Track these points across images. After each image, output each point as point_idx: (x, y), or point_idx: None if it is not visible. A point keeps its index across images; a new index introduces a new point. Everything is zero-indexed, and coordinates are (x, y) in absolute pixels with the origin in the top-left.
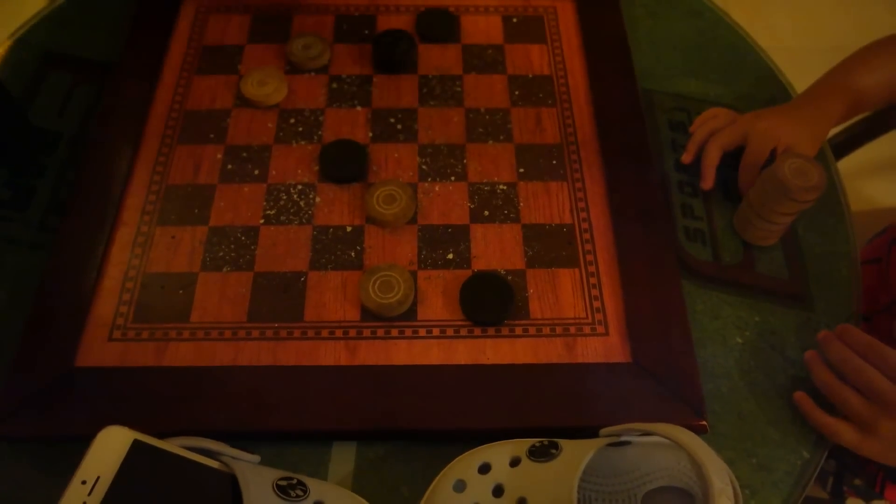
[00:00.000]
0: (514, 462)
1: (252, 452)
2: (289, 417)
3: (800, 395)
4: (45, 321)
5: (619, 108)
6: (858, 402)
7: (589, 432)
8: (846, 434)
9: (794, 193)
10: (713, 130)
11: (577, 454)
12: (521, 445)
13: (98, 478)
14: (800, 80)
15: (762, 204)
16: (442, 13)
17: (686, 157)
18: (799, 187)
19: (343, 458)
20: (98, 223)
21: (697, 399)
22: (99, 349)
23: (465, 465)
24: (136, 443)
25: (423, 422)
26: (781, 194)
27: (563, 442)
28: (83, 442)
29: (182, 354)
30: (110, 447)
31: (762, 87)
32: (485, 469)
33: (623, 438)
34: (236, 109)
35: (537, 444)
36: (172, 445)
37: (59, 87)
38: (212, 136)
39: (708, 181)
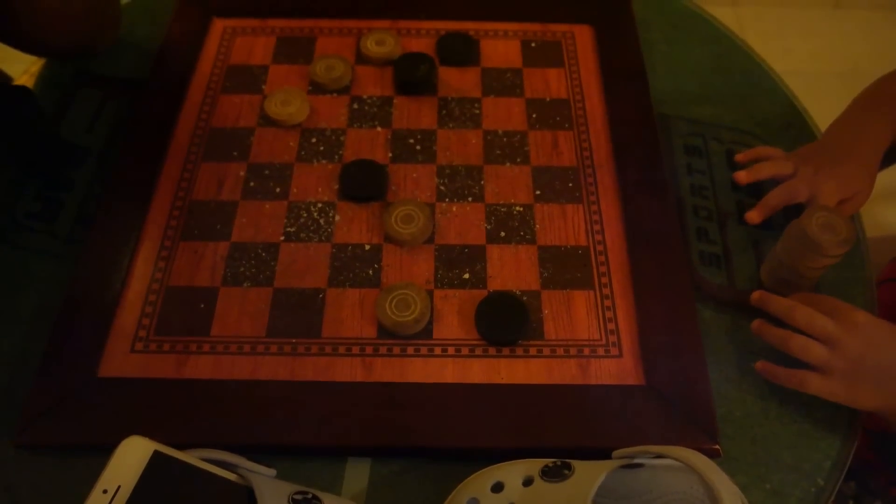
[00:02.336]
0: (528, 482)
1: (268, 466)
2: (305, 432)
3: (761, 364)
4: (70, 331)
5: (636, 132)
6: (816, 345)
7: (602, 454)
8: (812, 380)
9: (825, 249)
10: (783, 190)
11: (589, 475)
12: (534, 465)
13: (119, 487)
14: (815, 104)
15: (791, 259)
16: (462, 37)
17: (756, 218)
18: (830, 242)
19: (357, 473)
20: (123, 237)
21: (711, 423)
22: (121, 360)
23: (478, 483)
24: (156, 454)
25: (437, 440)
26: (811, 250)
27: (575, 463)
28: (104, 451)
29: (202, 367)
30: (131, 457)
31: (778, 112)
32: (498, 488)
33: (636, 461)
34: (260, 128)
35: (550, 465)
36: (191, 457)
37: (89, 103)
38: (235, 153)
39: (758, 219)
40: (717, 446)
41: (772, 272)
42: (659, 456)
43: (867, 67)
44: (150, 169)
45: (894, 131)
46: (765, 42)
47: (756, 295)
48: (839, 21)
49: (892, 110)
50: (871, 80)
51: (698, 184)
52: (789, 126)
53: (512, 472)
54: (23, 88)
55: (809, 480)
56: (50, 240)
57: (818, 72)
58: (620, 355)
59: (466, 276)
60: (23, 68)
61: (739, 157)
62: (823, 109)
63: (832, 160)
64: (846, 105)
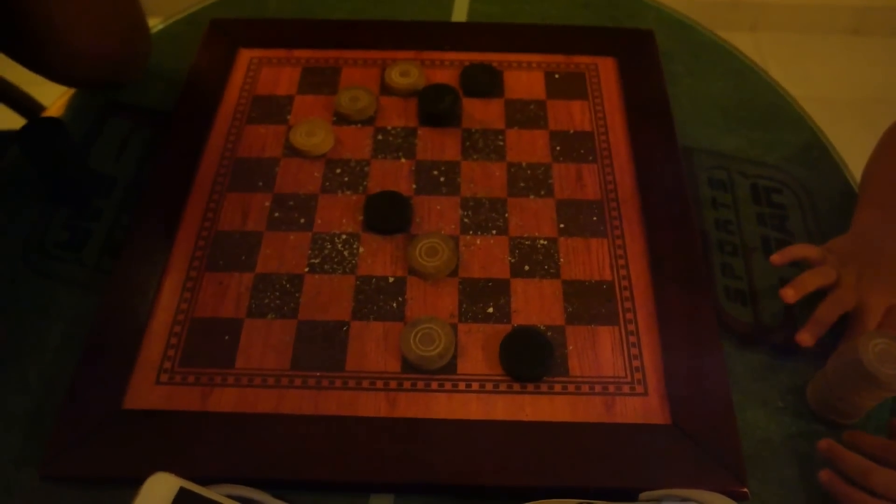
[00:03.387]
0: None
1: (291, 502)
2: (328, 468)
3: (827, 476)
4: (96, 362)
5: (660, 165)
6: None
7: (627, 494)
8: None
9: (885, 384)
10: (832, 304)
11: None
12: None
13: None
14: (834, 130)
15: (844, 389)
16: (486, 68)
17: (809, 340)
18: (889, 377)
19: None
20: (150, 267)
21: (738, 464)
22: (146, 392)
23: None
24: (182, 490)
25: (461, 477)
26: (867, 381)
27: None
28: (128, 483)
29: (226, 400)
30: (157, 493)
31: (801, 144)
32: None
33: None
34: (285, 158)
35: None
36: (216, 494)
37: (117, 133)
38: (260, 184)
39: (812, 342)
40: (745, 489)
41: (820, 397)
42: (685, 500)
43: (886, 94)
44: (176, 199)
45: None
46: (784, 68)
47: (825, 445)
48: (859, 47)
49: None
50: (890, 108)
51: (723, 218)
52: (814, 163)
53: None
54: (54, 120)
55: None
56: (77, 269)
57: (837, 98)
58: (646, 393)
59: (490, 310)
60: (58, 93)
61: (775, 259)
62: (842, 136)
63: (872, 263)
64: (862, 132)
